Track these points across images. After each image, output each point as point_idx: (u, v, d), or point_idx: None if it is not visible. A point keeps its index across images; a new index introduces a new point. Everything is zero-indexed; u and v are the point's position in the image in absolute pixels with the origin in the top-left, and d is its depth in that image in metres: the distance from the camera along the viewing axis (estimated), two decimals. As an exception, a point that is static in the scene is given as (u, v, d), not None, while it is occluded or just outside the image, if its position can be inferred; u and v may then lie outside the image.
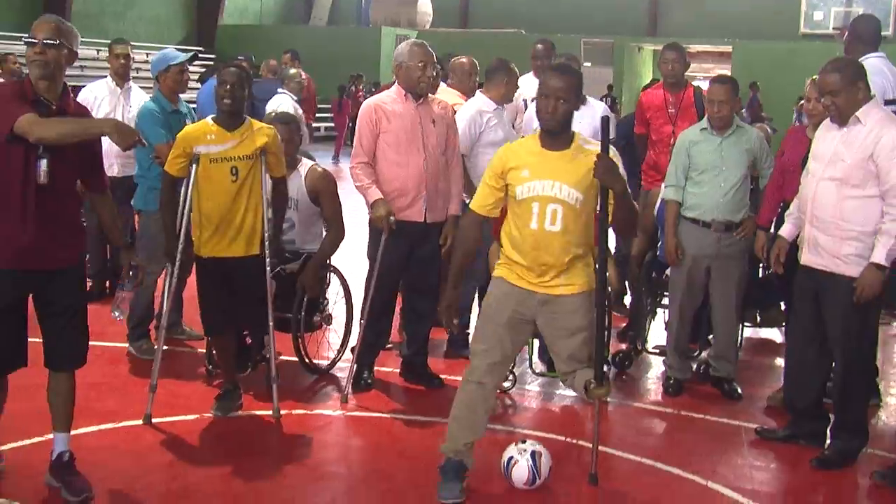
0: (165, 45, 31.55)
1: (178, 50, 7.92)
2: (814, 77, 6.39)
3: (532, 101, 8.12)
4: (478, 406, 5.21)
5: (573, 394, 6.98)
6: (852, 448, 5.83)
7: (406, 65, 6.64)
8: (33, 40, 4.78)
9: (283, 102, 10.56)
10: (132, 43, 9.04)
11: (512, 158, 5.11)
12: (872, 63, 6.48)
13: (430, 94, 6.89)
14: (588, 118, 7.69)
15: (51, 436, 5.18)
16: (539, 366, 7.03)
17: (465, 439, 5.20)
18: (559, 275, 5.09)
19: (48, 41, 4.77)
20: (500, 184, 5.13)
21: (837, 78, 5.55)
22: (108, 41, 9.34)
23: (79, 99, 8.21)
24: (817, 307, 5.82)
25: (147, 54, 27.89)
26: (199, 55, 25.31)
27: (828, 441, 5.98)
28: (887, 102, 6.28)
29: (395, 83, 6.81)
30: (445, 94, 7.87)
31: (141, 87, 8.99)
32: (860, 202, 5.51)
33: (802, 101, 7.56)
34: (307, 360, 7.02)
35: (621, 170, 4.95)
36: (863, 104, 5.55)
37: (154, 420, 6.07)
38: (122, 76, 8.68)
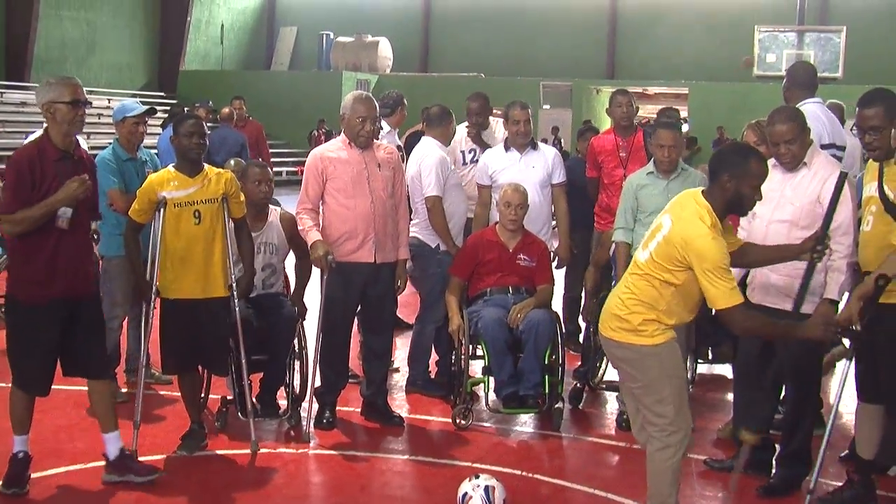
0: (127, 90, 31.82)
1: (140, 96, 8.12)
2: (751, 122, 6.69)
3: (470, 151, 8.43)
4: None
5: (529, 429, 7.21)
6: (797, 476, 6.04)
7: (347, 117, 6.91)
8: (76, 101, 5.51)
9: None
10: (94, 89, 9.19)
11: None
12: (810, 109, 6.76)
13: (374, 140, 7.14)
14: (541, 162, 7.94)
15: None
16: (494, 403, 7.21)
17: None
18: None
19: (85, 102, 5.51)
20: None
21: (793, 126, 5.80)
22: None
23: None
24: (765, 343, 6.04)
25: (108, 100, 28.06)
26: (162, 100, 25.56)
27: (773, 470, 6.20)
28: (824, 146, 6.56)
29: (342, 132, 7.06)
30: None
31: (90, 133, 9.08)
32: None
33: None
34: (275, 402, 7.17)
35: None
36: (808, 149, 5.85)
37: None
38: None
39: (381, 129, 8.72)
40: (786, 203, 5.83)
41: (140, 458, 6.17)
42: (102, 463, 6.04)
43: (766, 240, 5.86)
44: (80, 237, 5.72)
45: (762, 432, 5.27)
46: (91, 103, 5.59)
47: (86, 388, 7.29)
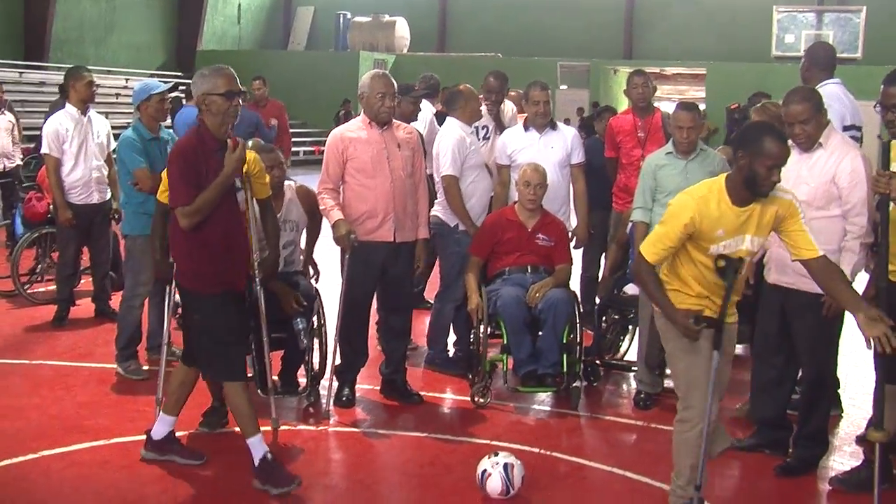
0: (145, 70, 31.86)
1: (157, 75, 8.17)
2: (757, 106, 6.69)
3: (483, 128, 8.45)
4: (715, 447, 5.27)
5: (547, 408, 7.25)
6: (814, 456, 6.08)
7: (367, 95, 6.93)
8: (230, 92, 5.52)
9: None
10: (112, 68, 9.26)
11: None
12: (831, 90, 6.76)
13: (394, 120, 7.16)
14: (560, 142, 7.96)
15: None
16: (513, 381, 7.26)
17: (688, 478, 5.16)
18: None
19: (240, 92, 5.61)
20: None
21: (808, 107, 5.79)
22: (91, 67, 9.48)
23: (48, 131, 8.62)
24: (782, 323, 6.09)
25: (126, 80, 28.14)
26: (179, 79, 25.62)
27: (790, 450, 6.24)
28: (845, 128, 6.56)
29: (362, 111, 7.09)
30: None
31: (108, 113, 9.14)
32: (824, 222, 5.75)
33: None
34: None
35: None
36: (823, 129, 5.84)
37: (143, 437, 6.24)
38: (86, 103, 8.79)
39: (420, 110, 8.80)
40: (801, 183, 5.81)
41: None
42: (125, 439, 6.13)
43: None
44: (240, 227, 5.81)
45: (890, 432, 5.18)
46: (244, 91, 5.62)
47: (108, 366, 7.46)
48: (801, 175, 5.87)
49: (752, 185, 4.84)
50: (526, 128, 8.04)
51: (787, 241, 5.04)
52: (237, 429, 6.42)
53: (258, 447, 5.62)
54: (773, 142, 4.81)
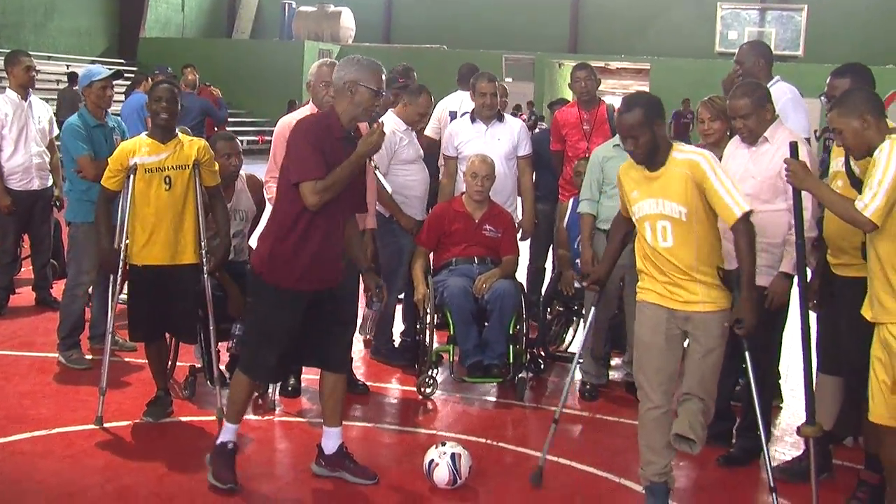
0: (87, 56, 31.50)
1: (100, 62, 8.09)
2: (703, 99, 6.78)
3: (462, 114, 8.43)
4: (663, 430, 5.26)
5: (492, 398, 7.28)
6: (755, 446, 6.16)
7: (313, 84, 6.94)
8: (380, 91, 5.38)
9: None
10: (52, 54, 9.15)
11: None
12: (784, 87, 6.90)
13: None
14: (507, 134, 7.98)
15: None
16: (460, 371, 7.27)
17: (654, 467, 5.28)
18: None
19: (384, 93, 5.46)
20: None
21: (748, 102, 5.87)
22: (31, 52, 9.36)
23: None
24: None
25: (67, 66, 27.77)
26: (122, 66, 25.33)
27: (733, 440, 6.33)
28: None
29: (310, 101, 7.06)
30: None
31: (49, 99, 9.01)
32: (770, 216, 5.82)
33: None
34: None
35: None
36: (769, 125, 5.92)
37: (86, 427, 6.22)
38: (26, 88, 8.69)
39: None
40: (748, 177, 5.90)
41: (105, 425, 6.23)
42: (67, 429, 6.07)
43: None
44: (340, 227, 5.51)
45: (822, 425, 5.23)
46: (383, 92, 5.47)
47: (50, 355, 7.38)
48: (748, 169, 5.95)
49: None
50: (473, 119, 8.05)
51: (714, 208, 5.09)
52: (183, 419, 6.44)
53: (228, 433, 5.55)
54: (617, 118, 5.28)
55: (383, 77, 5.44)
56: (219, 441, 5.56)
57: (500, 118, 8.06)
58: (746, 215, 5.02)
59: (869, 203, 4.60)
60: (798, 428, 5.05)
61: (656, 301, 5.25)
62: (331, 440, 5.72)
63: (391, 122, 7.84)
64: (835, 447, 5.97)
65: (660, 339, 5.23)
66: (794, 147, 4.98)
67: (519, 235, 7.99)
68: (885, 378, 4.73)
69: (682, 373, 5.35)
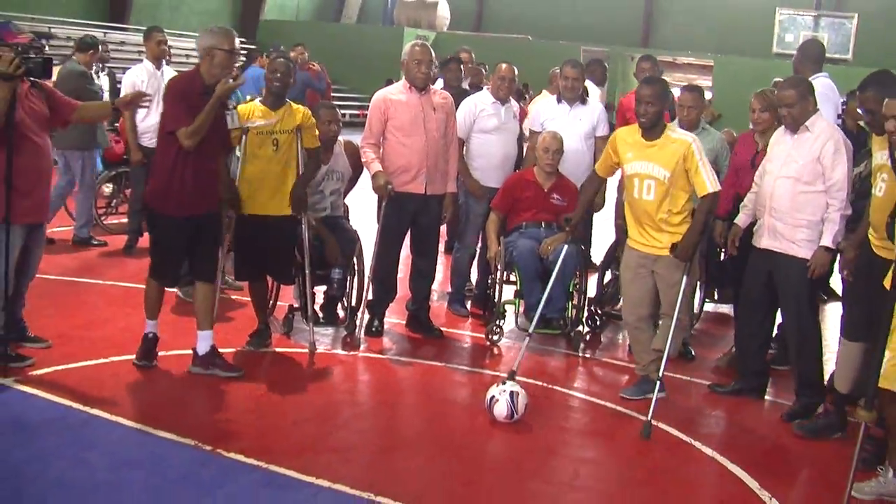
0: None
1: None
2: (756, 91, 6.75)
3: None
4: (642, 339, 6.27)
5: (551, 347, 7.33)
6: (813, 403, 6.09)
7: (406, 62, 7.01)
8: (233, 51, 5.85)
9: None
10: (184, 32, 9.32)
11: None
12: (826, 82, 6.87)
13: (431, 86, 7.20)
14: (587, 116, 7.96)
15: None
16: (524, 323, 7.30)
17: (644, 360, 6.24)
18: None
19: (238, 52, 5.94)
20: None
21: (793, 93, 5.94)
22: (166, 30, 9.56)
23: (127, 82, 8.78)
24: (767, 284, 6.17)
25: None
26: (243, 44, 25.57)
27: (767, 395, 6.42)
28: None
29: (403, 77, 7.14)
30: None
31: (181, 71, 9.25)
32: (810, 196, 5.90)
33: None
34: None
35: None
36: (811, 115, 5.93)
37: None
38: (160, 60, 8.93)
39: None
40: (791, 161, 5.98)
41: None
42: (181, 352, 6.27)
43: (773, 193, 6.04)
44: (206, 163, 5.90)
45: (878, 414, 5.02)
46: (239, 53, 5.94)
47: (170, 290, 7.57)
48: (790, 154, 6.00)
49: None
50: (559, 100, 8.05)
51: (692, 182, 5.92)
52: (279, 350, 6.60)
53: (148, 326, 6.07)
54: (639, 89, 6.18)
55: (235, 39, 5.92)
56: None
57: (583, 101, 8.03)
58: (714, 193, 5.90)
59: None
60: (857, 411, 4.90)
61: (634, 246, 6.20)
62: (203, 342, 6.07)
63: (478, 97, 7.94)
64: (851, 408, 5.91)
65: (631, 275, 6.24)
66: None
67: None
68: None
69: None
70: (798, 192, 5.93)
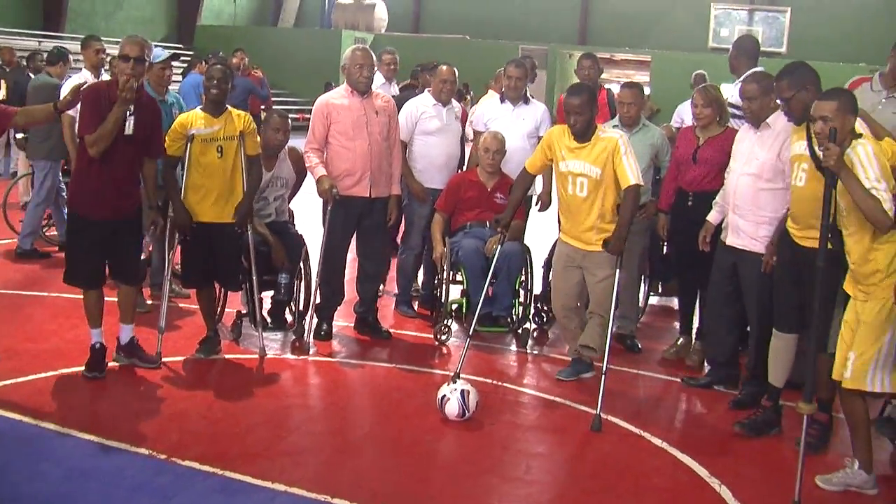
0: (149, 41, 31.55)
1: (160, 47, 8.17)
2: (699, 87, 6.88)
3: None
4: (571, 327, 6.55)
5: (499, 345, 7.40)
6: (760, 392, 6.09)
7: (348, 66, 7.05)
8: (126, 56, 5.90)
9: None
10: (119, 39, 9.28)
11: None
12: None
13: (372, 90, 7.23)
14: (531, 115, 7.97)
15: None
16: (470, 322, 7.34)
17: (574, 345, 6.54)
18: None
19: (137, 58, 5.92)
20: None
21: (755, 87, 5.97)
22: (102, 38, 9.49)
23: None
24: (733, 278, 6.25)
25: (133, 49, 27.82)
26: (180, 52, 25.40)
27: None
28: None
29: (345, 82, 7.18)
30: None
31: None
32: (771, 193, 5.94)
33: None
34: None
35: None
36: (772, 112, 5.96)
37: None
38: (98, 69, 8.82)
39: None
40: (753, 159, 6.00)
41: (163, 360, 6.41)
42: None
43: (737, 190, 6.07)
44: (118, 170, 5.96)
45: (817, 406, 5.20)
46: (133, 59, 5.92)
47: (113, 299, 7.53)
48: (752, 151, 6.03)
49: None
50: (502, 100, 8.11)
51: (615, 174, 6.12)
52: (228, 356, 6.61)
53: (93, 335, 6.15)
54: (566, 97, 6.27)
55: (137, 46, 6.00)
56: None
57: (526, 100, 8.09)
58: (636, 185, 6.09)
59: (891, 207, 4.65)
60: (797, 405, 4.99)
61: (565, 240, 6.46)
62: (125, 333, 6.31)
63: (420, 99, 7.97)
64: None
65: (560, 267, 6.50)
66: (833, 132, 4.82)
67: (537, 207, 8.07)
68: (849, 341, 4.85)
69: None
70: (759, 190, 5.95)
